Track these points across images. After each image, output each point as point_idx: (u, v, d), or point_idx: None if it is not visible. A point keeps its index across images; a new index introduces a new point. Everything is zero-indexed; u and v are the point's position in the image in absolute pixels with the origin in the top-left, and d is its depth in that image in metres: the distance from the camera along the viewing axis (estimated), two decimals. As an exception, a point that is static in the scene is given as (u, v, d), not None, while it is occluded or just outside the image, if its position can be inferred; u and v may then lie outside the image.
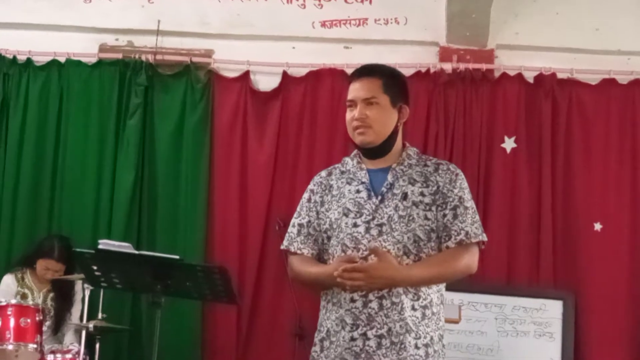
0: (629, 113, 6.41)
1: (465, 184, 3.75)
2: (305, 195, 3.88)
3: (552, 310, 6.15)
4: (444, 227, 3.65)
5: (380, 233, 3.61)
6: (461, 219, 3.67)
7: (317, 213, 3.79)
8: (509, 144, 6.41)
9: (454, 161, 6.33)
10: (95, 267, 4.54)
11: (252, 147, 6.59)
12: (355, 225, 3.66)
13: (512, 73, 6.49)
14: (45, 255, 6.15)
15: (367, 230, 3.62)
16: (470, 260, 3.70)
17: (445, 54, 6.56)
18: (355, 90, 3.76)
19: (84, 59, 6.76)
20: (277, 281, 6.37)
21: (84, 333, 5.81)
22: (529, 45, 6.57)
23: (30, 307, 5.66)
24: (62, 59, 6.75)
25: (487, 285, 6.21)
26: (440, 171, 3.74)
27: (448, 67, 6.48)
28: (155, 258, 4.44)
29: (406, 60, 6.54)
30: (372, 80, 3.75)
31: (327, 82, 6.58)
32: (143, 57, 6.69)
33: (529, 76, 6.49)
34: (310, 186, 3.89)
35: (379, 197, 3.67)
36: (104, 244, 4.60)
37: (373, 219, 3.64)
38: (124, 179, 6.56)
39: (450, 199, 3.68)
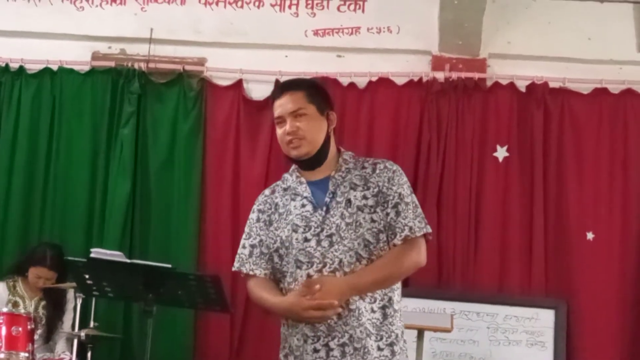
0: (620, 122, 6.42)
1: (404, 179, 3.75)
2: (253, 216, 3.88)
3: (544, 320, 6.15)
4: (389, 226, 3.66)
5: (331, 244, 3.62)
6: (403, 215, 3.66)
7: (267, 232, 3.79)
8: (501, 152, 6.42)
9: (447, 170, 6.38)
10: (87, 276, 4.53)
11: (244, 155, 6.59)
12: (306, 239, 3.66)
13: (504, 82, 6.51)
14: (37, 263, 6.13)
15: (318, 242, 3.63)
16: (417, 255, 3.69)
17: (437, 63, 6.57)
18: (281, 105, 3.78)
19: (76, 67, 6.76)
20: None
21: (75, 341, 5.79)
22: (521, 54, 6.58)
23: (22, 315, 5.64)
24: (55, 67, 6.75)
25: (479, 294, 6.22)
26: (377, 171, 3.74)
27: (440, 75, 6.50)
28: (147, 267, 4.43)
29: (399, 69, 6.57)
30: (295, 93, 3.77)
31: (320, 91, 6.57)
32: (136, 65, 6.69)
33: (521, 85, 6.50)
34: (256, 206, 3.89)
35: (324, 208, 3.68)
36: (96, 252, 4.59)
37: (322, 230, 3.65)
38: (117, 187, 6.55)
39: (391, 197, 3.67)
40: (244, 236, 3.89)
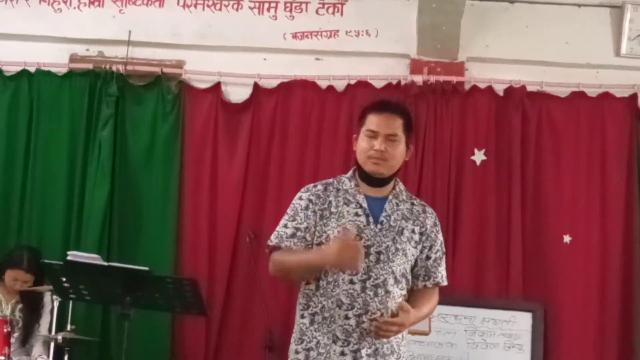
0: (597, 126, 6.45)
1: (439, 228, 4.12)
2: (302, 203, 4.00)
3: (521, 322, 6.17)
4: (426, 268, 4.02)
5: (378, 260, 3.86)
6: (443, 265, 4.07)
7: (316, 223, 3.94)
8: (478, 156, 6.44)
9: (425, 173, 6.41)
10: (64, 279, 4.54)
11: (222, 158, 6.58)
12: None
13: (482, 85, 6.52)
14: (14, 265, 6.10)
15: (366, 255, 3.83)
16: (437, 301, 4.12)
17: (416, 66, 6.58)
18: (383, 124, 3.99)
19: (54, 69, 6.73)
20: (247, 293, 6.36)
21: (52, 345, 5.77)
22: (499, 58, 6.59)
23: (-1, 318, 5.63)
24: (32, 69, 6.71)
25: (457, 297, 6.22)
26: (427, 213, 4.07)
27: (419, 79, 6.51)
28: (124, 269, 4.44)
29: (377, 72, 6.58)
30: (396, 118, 4.01)
31: (298, 94, 6.58)
32: (114, 68, 6.66)
33: (499, 89, 6.52)
34: (307, 195, 4.02)
35: (379, 226, 3.91)
36: (73, 255, 4.58)
37: (372, 245, 3.87)
38: (95, 190, 6.52)
39: (438, 245, 4.05)
40: (285, 217, 4.01)
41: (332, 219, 3.91)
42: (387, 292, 3.83)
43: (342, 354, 3.81)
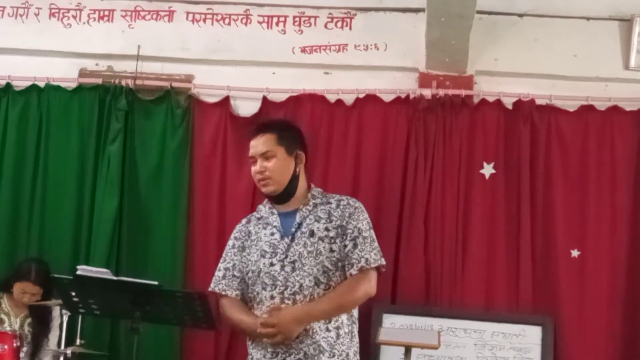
0: (607, 139, 6.43)
1: (364, 216, 4.23)
2: (230, 243, 4.38)
3: (531, 336, 6.15)
4: (347, 257, 4.12)
5: (293, 269, 4.08)
6: (360, 247, 4.13)
7: (241, 257, 4.25)
8: (487, 169, 6.43)
9: (434, 187, 6.38)
10: (73, 293, 4.53)
11: (231, 172, 6.59)
12: (271, 264, 4.13)
13: (491, 99, 6.52)
14: (22, 278, 6.11)
15: (282, 267, 4.10)
16: (369, 286, 4.15)
17: (424, 80, 6.58)
18: (254, 146, 4.27)
19: (63, 84, 6.75)
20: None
21: (62, 359, 5.77)
22: (508, 71, 6.59)
23: (8, 333, 5.63)
24: (42, 84, 6.74)
25: (466, 311, 6.22)
26: (341, 206, 4.22)
27: (427, 92, 6.51)
28: (134, 284, 4.44)
29: (386, 85, 6.58)
30: (266, 136, 4.25)
31: (307, 108, 6.59)
32: (123, 82, 6.68)
33: (508, 102, 6.51)
34: (233, 234, 4.40)
35: (290, 237, 4.13)
36: (83, 269, 4.58)
37: (286, 257, 4.11)
38: (104, 204, 6.53)
39: (350, 231, 4.15)
40: (220, 260, 4.38)
41: (253, 246, 4.21)
42: (305, 296, 4.01)
43: None
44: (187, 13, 6.83)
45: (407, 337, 5.57)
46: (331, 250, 4.11)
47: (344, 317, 4.11)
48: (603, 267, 6.30)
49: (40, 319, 6.16)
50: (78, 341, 5.87)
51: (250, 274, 4.19)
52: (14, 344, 5.53)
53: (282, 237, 4.15)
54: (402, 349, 5.43)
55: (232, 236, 4.38)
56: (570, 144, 6.44)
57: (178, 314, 4.54)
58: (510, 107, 6.50)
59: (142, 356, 4.67)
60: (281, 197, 4.21)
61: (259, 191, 4.35)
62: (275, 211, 4.24)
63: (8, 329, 5.91)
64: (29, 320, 6.17)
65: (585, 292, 6.27)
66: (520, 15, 6.65)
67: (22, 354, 5.73)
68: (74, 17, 6.86)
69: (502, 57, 6.61)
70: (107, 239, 6.48)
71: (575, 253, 6.31)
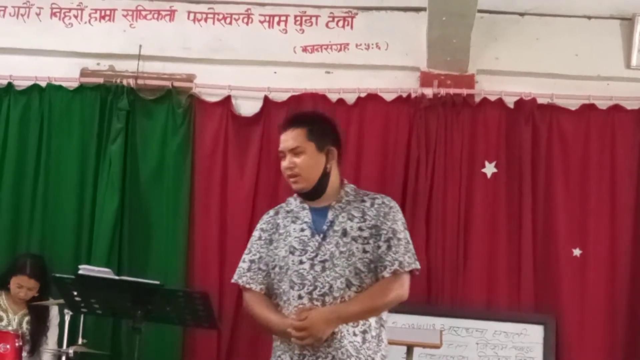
0: (608, 138, 6.43)
1: (399, 216, 3.99)
2: (256, 234, 4.12)
3: (533, 335, 6.16)
4: (380, 258, 3.90)
5: (323, 269, 3.87)
6: (395, 249, 3.90)
7: (267, 250, 4.03)
8: (489, 168, 6.43)
9: (435, 186, 6.38)
10: (75, 293, 4.53)
11: (233, 171, 6.59)
12: (300, 262, 3.90)
13: (492, 98, 6.52)
14: (18, 271, 6.12)
15: (312, 266, 3.88)
16: (401, 290, 3.92)
17: (426, 79, 6.58)
18: (283, 141, 4.03)
19: (65, 84, 6.76)
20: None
21: (64, 358, 5.78)
22: (510, 70, 6.59)
23: (10, 332, 5.65)
24: (43, 84, 6.74)
25: (468, 310, 6.22)
26: (375, 205, 3.99)
27: (429, 92, 6.51)
28: (135, 283, 4.44)
29: (387, 85, 6.59)
30: (297, 130, 4.00)
31: (308, 107, 6.56)
32: (124, 82, 6.69)
33: (510, 101, 6.51)
34: (260, 225, 4.14)
35: (322, 235, 3.93)
36: (85, 269, 4.58)
37: (316, 255, 3.89)
38: (106, 203, 6.54)
39: (384, 232, 3.92)
40: (245, 252, 4.11)
41: (281, 240, 4.00)
42: (335, 297, 3.83)
43: None
44: (189, 12, 6.83)
45: (409, 336, 5.57)
46: (364, 252, 3.90)
47: (372, 321, 3.90)
48: (604, 266, 6.31)
49: (38, 317, 6.16)
50: (80, 340, 5.90)
51: (277, 270, 3.97)
52: (16, 344, 5.54)
53: (312, 235, 3.94)
54: (404, 348, 5.43)
55: (258, 227, 4.14)
56: (572, 143, 6.44)
57: (179, 313, 4.54)
58: (511, 106, 6.51)
59: (144, 355, 4.67)
60: (311, 194, 4.01)
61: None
62: (306, 206, 4.03)
63: (10, 328, 5.91)
64: (27, 318, 6.16)
65: (587, 291, 6.28)
66: (521, 14, 6.65)
67: (24, 354, 5.73)
68: (75, 17, 6.87)
69: (503, 56, 6.61)
70: (108, 238, 6.49)
71: (576, 252, 6.32)
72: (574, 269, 6.30)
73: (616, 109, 6.46)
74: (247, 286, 4.02)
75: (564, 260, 6.31)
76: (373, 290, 3.88)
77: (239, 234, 6.45)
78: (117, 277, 4.56)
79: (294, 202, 4.09)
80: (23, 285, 6.11)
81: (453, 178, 6.43)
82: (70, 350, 5.72)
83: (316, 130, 4.00)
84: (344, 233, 3.91)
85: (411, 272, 3.95)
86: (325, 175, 4.00)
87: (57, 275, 4.71)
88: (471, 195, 6.43)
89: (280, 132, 4.05)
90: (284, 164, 3.99)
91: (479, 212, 6.39)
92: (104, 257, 6.41)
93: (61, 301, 5.41)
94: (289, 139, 3.99)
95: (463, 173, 6.44)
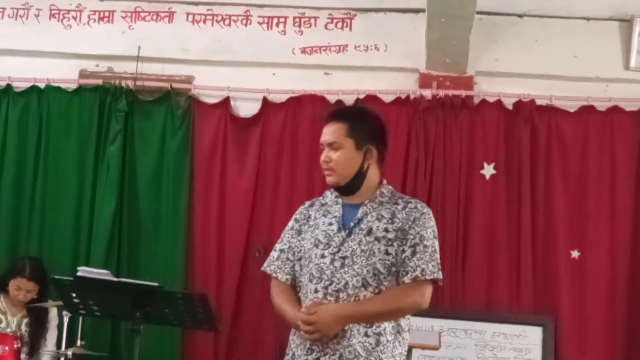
0: (607, 140, 6.44)
1: (430, 223, 3.90)
2: (290, 223, 4.09)
3: (532, 337, 6.16)
4: (402, 263, 3.81)
5: (342, 265, 3.82)
6: (419, 256, 3.81)
7: (296, 241, 4.00)
8: (488, 170, 6.43)
9: (434, 187, 6.38)
10: (74, 295, 4.52)
11: (232, 173, 6.59)
12: (322, 256, 3.86)
13: (491, 99, 6.52)
14: (17, 274, 6.12)
15: (332, 261, 3.83)
16: (420, 297, 3.84)
17: (424, 81, 6.58)
18: (324, 134, 3.98)
19: (64, 85, 6.76)
20: (257, 307, 6.35)
21: (62, 360, 5.79)
22: (508, 71, 6.59)
23: (9, 334, 5.65)
24: (42, 85, 6.74)
25: (467, 311, 6.22)
26: (407, 209, 3.91)
27: (428, 93, 6.51)
28: (134, 285, 4.43)
29: (386, 86, 6.59)
30: (337, 125, 3.95)
31: (307, 108, 6.59)
32: (123, 83, 6.69)
33: (508, 103, 6.52)
34: (295, 215, 4.10)
35: (347, 231, 3.87)
36: (83, 271, 4.58)
37: (338, 251, 3.84)
38: (105, 205, 6.54)
39: (411, 237, 3.84)
40: (278, 240, 4.10)
41: (309, 232, 3.97)
42: (349, 295, 3.77)
43: None
44: (187, 14, 6.83)
45: (407, 337, 5.56)
46: (386, 253, 3.82)
47: (386, 325, 3.80)
48: (603, 268, 6.31)
49: (37, 319, 6.16)
50: (79, 342, 5.89)
51: (302, 261, 3.94)
52: (15, 345, 5.55)
53: (339, 230, 3.89)
54: (403, 350, 5.43)
55: (293, 217, 4.11)
56: (571, 145, 6.45)
57: (178, 314, 4.53)
58: (510, 107, 6.51)
59: (143, 357, 4.66)
60: (344, 190, 3.96)
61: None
62: (340, 201, 3.99)
63: (8, 330, 5.91)
64: (26, 320, 6.16)
65: (586, 293, 6.28)
66: (520, 16, 6.65)
67: (23, 356, 5.73)
68: (74, 18, 6.87)
69: (502, 58, 6.61)
70: (106, 239, 6.49)
71: (575, 254, 6.32)
72: (573, 271, 6.31)
73: (615, 110, 6.46)
74: (274, 275, 4.01)
75: (563, 262, 6.31)
76: (389, 293, 3.81)
77: (238, 235, 6.46)
78: (115, 279, 4.55)
79: (329, 196, 4.06)
80: (22, 287, 6.11)
81: (452, 180, 6.43)
82: (69, 352, 5.72)
83: (358, 128, 3.95)
84: (369, 232, 3.85)
85: (434, 282, 3.86)
86: (360, 174, 3.93)
87: (56, 277, 4.70)
88: (470, 197, 6.43)
89: (323, 123, 4.01)
90: (322, 157, 3.96)
91: (477, 214, 6.39)
92: (102, 258, 6.42)
93: (60, 303, 5.40)
94: (329, 132, 3.96)
95: (462, 174, 6.44)
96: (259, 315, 6.33)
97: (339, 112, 4.11)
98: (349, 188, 3.94)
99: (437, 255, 3.88)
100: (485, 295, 6.31)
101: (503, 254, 6.33)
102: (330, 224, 3.92)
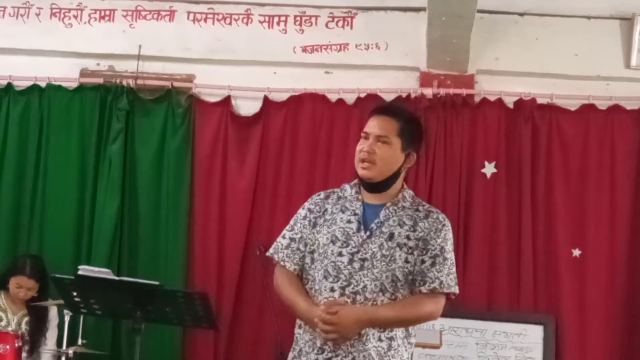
0: (608, 138, 6.43)
1: (450, 235, 3.88)
2: (302, 212, 4.00)
3: (532, 335, 6.16)
4: (421, 272, 3.79)
5: (361, 267, 3.76)
6: (438, 267, 3.80)
7: (309, 232, 3.91)
8: (489, 169, 6.43)
9: (435, 186, 6.38)
10: (75, 293, 4.53)
11: (232, 171, 6.59)
12: (340, 254, 3.79)
13: (492, 98, 6.52)
14: (17, 272, 6.13)
15: (350, 262, 3.77)
16: (435, 309, 3.84)
17: (425, 79, 6.58)
18: (373, 125, 3.90)
19: (64, 84, 6.76)
20: (257, 306, 6.36)
21: (63, 359, 5.78)
22: (509, 70, 6.59)
23: (9, 333, 5.66)
24: (43, 84, 6.74)
25: (468, 310, 6.21)
26: (430, 219, 3.87)
27: (429, 92, 6.50)
28: (135, 284, 4.44)
29: (387, 85, 6.58)
30: (390, 121, 3.89)
31: (308, 107, 6.59)
32: (124, 82, 6.69)
33: (509, 101, 6.51)
34: (308, 204, 4.01)
35: (367, 232, 3.81)
36: (84, 269, 4.58)
37: (358, 252, 3.78)
38: (106, 204, 6.54)
39: (432, 247, 3.81)
40: (287, 227, 4.01)
41: (325, 226, 3.89)
42: (367, 299, 3.73)
43: None
44: (188, 13, 6.83)
45: (408, 336, 5.56)
46: (406, 261, 3.78)
47: (397, 330, 3.79)
48: (604, 266, 6.31)
49: (38, 318, 6.16)
50: (80, 341, 5.90)
51: (315, 255, 3.86)
52: (16, 344, 5.54)
53: (358, 229, 3.82)
54: (404, 349, 5.42)
55: (305, 206, 4.01)
56: (572, 143, 6.45)
57: (179, 313, 4.54)
58: (511, 106, 6.51)
59: (144, 356, 4.67)
60: (374, 187, 3.88)
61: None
62: (360, 197, 3.91)
63: (9, 328, 5.92)
64: (26, 318, 6.16)
65: (586, 291, 6.28)
66: (521, 14, 6.65)
67: (24, 354, 5.73)
68: (75, 17, 6.87)
69: (503, 56, 6.61)
70: (108, 238, 6.49)
71: (576, 252, 6.32)
72: (574, 270, 6.30)
73: (616, 109, 6.46)
74: (282, 263, 3.93)
75: (564, 260, 6.31)
76: (408, 301, 3.79)
77: (238, 234, 6.46)
78: (116, 278, 4.57)
79: (349, 190, 3.97)
80: (22, 285, 6.11)
81: (452, 178, 6.43)
82: (70, 351, 5.73)
83: (408, 130, 3.91)
84: (391, 237, 3.81)
85: (447, 295, 3.86)
86: (395, 175, 3.90)
87: (57, 275, 4.71)
88: (471, 196, 6.43)
89: (374, 114, 3.94)
90: (364, 146, 3.87)
91: (478, 212, 6.39)
92: (103, 257, 6.42)
93: (60, 301, 5.41)
94: (380, 125, 3.88)
95: (463, 173, 6.44)
96: (259, 314, 6.34)
97: (394, 108, 4.04)
98: (381, 186, 3.88)
99: (454, 269, 3.88)
100: (486, 294, 6.31)
101: (504, 252, 6.33)
102: (350, 221, 3.85)
